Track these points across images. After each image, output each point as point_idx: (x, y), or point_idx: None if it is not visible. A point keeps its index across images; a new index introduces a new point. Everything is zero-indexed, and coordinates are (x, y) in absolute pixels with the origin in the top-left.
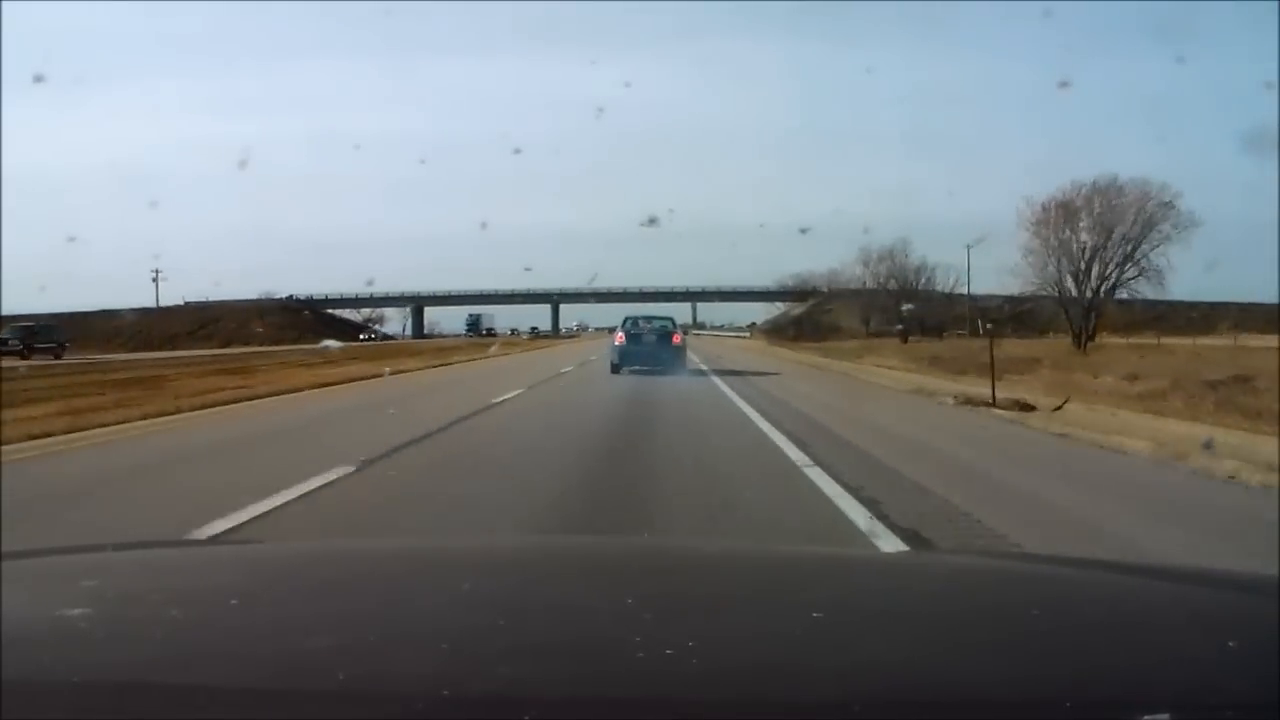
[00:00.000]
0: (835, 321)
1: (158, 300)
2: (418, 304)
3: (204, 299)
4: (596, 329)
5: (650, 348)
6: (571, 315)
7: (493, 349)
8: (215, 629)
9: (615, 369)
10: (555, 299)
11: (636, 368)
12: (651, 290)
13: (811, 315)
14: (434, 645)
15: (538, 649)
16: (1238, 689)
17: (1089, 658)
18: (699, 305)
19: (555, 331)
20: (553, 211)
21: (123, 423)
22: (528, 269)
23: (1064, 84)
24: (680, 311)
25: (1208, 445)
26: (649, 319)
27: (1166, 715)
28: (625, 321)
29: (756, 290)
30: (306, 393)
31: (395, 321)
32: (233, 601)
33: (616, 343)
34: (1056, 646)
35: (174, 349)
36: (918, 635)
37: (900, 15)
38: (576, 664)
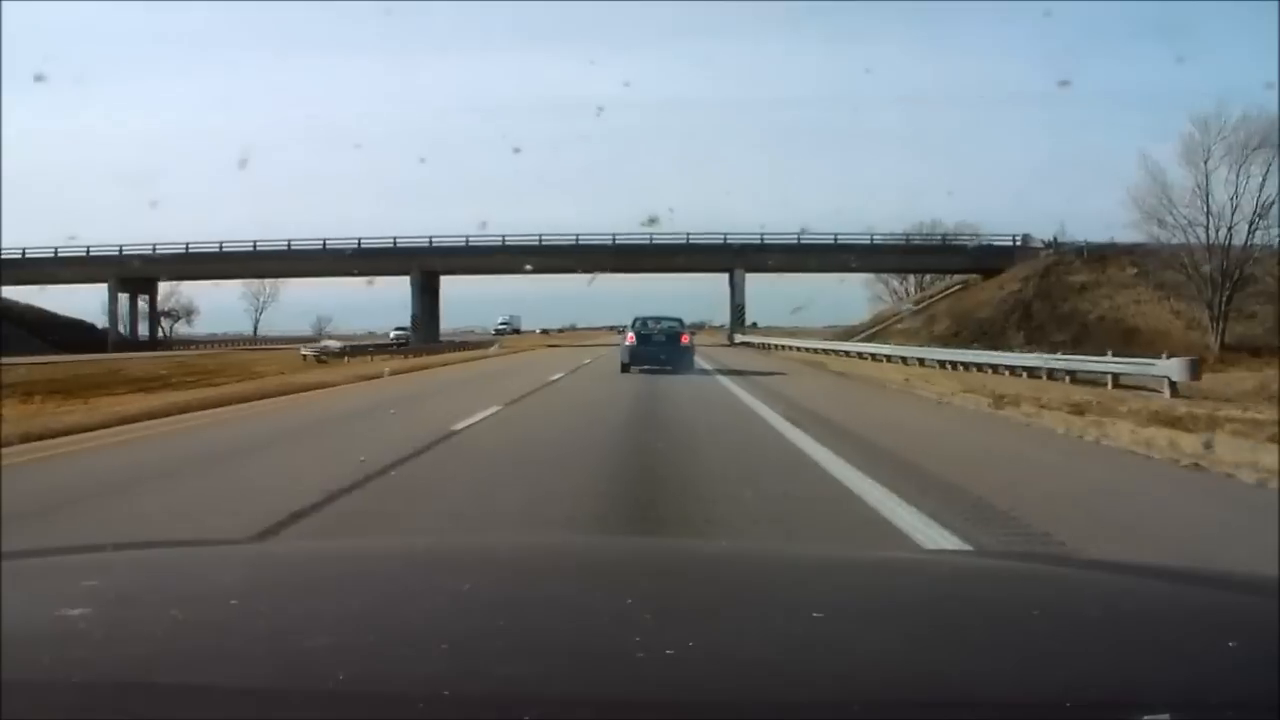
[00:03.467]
0: (1116, 312)
1: None
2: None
3: None
4: (557, 330)
5: (659, 348)
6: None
7: None
8: (215, 629)
9: (625, 368)
10: (420, 263)
11: (646, 367)
12: (638, 243)
13: (1048, 300)
14: (434, 645)
15: (537, 649)
16: (1238, 689)
17: (1089, 658)
18: (747, 277)
19: (428, 335)
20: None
21: None
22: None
23: (1064, 84)
24: (708, 292)
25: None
26: (658, 320)
27: (1166, 715)
28: (635, 322)
29: (875, 243)
30: None
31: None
32: (233, 601)
33: (627, 343)
34: (1056, 646)
35: None
36: (918, 635)
37: (900, 15)
38: (576, 665)
